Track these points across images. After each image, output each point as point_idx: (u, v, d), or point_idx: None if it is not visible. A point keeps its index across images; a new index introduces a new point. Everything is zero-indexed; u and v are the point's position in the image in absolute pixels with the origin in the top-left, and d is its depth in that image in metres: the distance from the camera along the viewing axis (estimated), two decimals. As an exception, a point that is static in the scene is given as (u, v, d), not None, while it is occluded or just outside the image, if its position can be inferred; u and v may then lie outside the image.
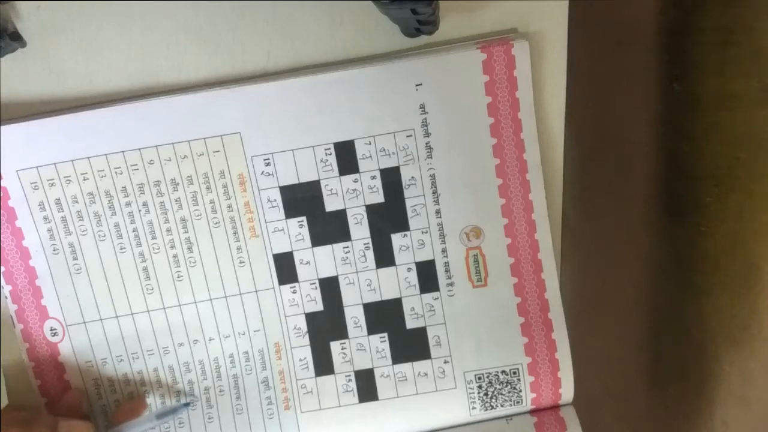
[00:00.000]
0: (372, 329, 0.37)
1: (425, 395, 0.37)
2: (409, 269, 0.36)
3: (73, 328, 0.36)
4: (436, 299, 0.37)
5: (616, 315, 0.52)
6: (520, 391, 0.37)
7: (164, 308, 0.36)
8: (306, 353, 0.37)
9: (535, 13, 0.34)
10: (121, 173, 0.35)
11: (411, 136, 0.35)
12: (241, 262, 0.36)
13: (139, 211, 0.36)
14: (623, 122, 0.49)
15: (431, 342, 0.37)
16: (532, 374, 0.37)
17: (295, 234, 0.36)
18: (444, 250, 0.36)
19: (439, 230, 0.36)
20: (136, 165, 0.35)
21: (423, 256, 0.36)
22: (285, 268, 0.36)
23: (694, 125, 0.43)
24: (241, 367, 0.37)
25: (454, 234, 0.36)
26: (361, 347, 0.37)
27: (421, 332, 0.37)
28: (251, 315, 0.37)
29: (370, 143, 0.35)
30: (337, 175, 0.35)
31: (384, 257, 0.36)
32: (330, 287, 0.37)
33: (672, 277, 0.48)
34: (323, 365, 0.37)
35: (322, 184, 0.35)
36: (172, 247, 0.36)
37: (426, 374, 0.37)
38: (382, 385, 0.37)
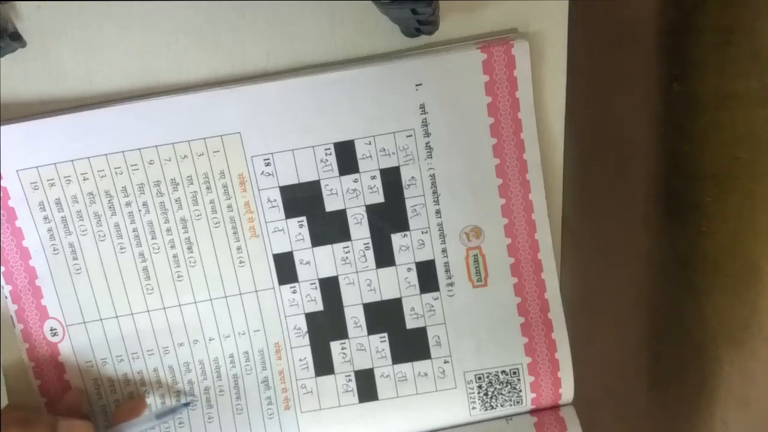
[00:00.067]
0: (372, 329, 0.37)
1: (425, 395, 0.37)
2: (409, 269, 0.36)
3: (73, 328, 0.36)
4: (436, 299, 0.37)
5: (616, 315, 0.52)
6: (520, 391, 0.37)
7: (164, 308, 0.36)
8: (306, 353, 0.37)
9: (535, 13, 0.34)
10: (121, 173, 0.35)
11: (411, 136, 0.35)
12: (241, 262, 0.36)
13: (139, 211, 0.36)
14: (623, 122, 0.49)
15: (431, 342, 0.37)
16: (532, 374, 0.37)
17: (295, 234, 0.36)
18: (444, 250, 0.36)
19: (439, 230, 0.36)
20: (136, 165, 0.35)
21: (423, 256, 0.36)
22: (285, 268, 0.36)
23: (694, 125, 0.43)
24: (241, 367, 0.37)
25: (454, 234, 0.36)
26: (361, 347, 0.37)
27: (421, 332, 0.37)
28: (251, 315, 0.37)
29: (370, 143, 0.35)
30: (337, 175, 0.35)
31: (384, 257, 0.36)
32: (330, 287, 0.37)
33: (672, 277, 0.48)
34: (323, 365, 0.37)
35: (322, 184, 0.35)
36: (172, 247, 0.36)
37: (426, 374, 0.37)
38: (382, 385, 0.37)
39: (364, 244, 0.36)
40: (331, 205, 0.36)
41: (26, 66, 0.34)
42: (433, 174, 0.35)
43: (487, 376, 0.37)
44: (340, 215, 0.36)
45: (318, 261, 0.36)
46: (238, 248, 0.36)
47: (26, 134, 0.35)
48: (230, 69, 0.35)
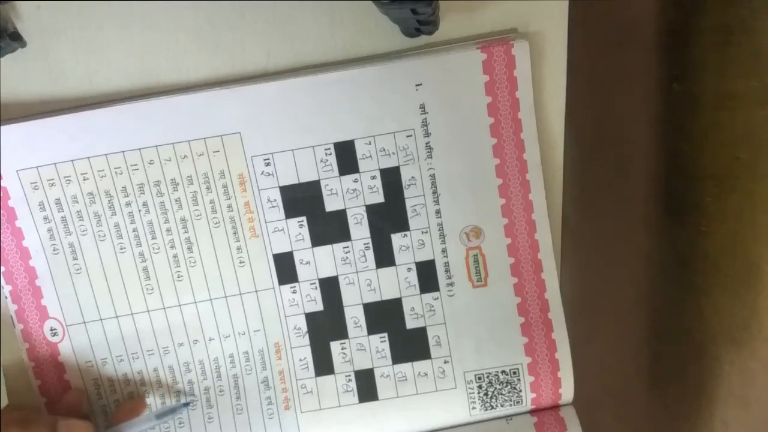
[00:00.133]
0: (372, 329, 0.37)
1: (425, 395, 0.37)
2: (409, 269, 0.36)
3: (73, 328, 0.36)
4: (436, 299, 0.37)
5: (616, 315, 0.52)
6: (520, 391, 0.37)
7: (164, 308, 0.36)
8: (306, 353, 0.37)
9: (535, 13, 0.34)
10: (121, 173, 0.35)
11: (411, 136, 0.35)
12: (241, 262, 0.36)
13: (139, 211, 0.36)
14: (623, 122, 0.49)
15: (431, 342, 0.37)
16: (532, 374, 0.37)
17: (295, 234, 0.36)
18: (444, 250, 0.36)
19: (439, 230, 0.36)
20: (136, 165, 0.35)
21: (423, 256, 0.36)
22: (285, 268, 0.36)
23: (694, 125, 0.43)
24: (241, 367, 0.37)
25: (454, 234, 0.36)
26: (361, 347, 0.37)
27: (421, 332, 0.37)
28: (251, 315, 0.37)
29: (370, 143, 0.35)
30: (337, 175, 0.35)
31: (384, 257, 0.36)
32: (330, 287, 0.37)
33: (672, 277, 0.48)
34: (323, 365, 0.37)
35: (322, 184, 0.35)
36: (172, 247, 0.36)
37: (426, 374, 0.37)
38: (382, 385, 0.37)
39: (364, 244, 0.36)
40: (331, 205, 0.36)
41: (26, 66, 0.34)
42: (433, 174, 0.35)
43: (487, 376, 0.37)
44: (340, 215, 0.36)
45: (318, 261, 0.36)
46: (238, 248, 0.36)
47: (26, 134, 0.35)
48: (230, 69, 0.35)
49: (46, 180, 0.35)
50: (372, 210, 0.36)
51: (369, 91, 0.34)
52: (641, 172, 0.49)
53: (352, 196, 0.36)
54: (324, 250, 0.36)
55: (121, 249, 0.36)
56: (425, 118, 0.35)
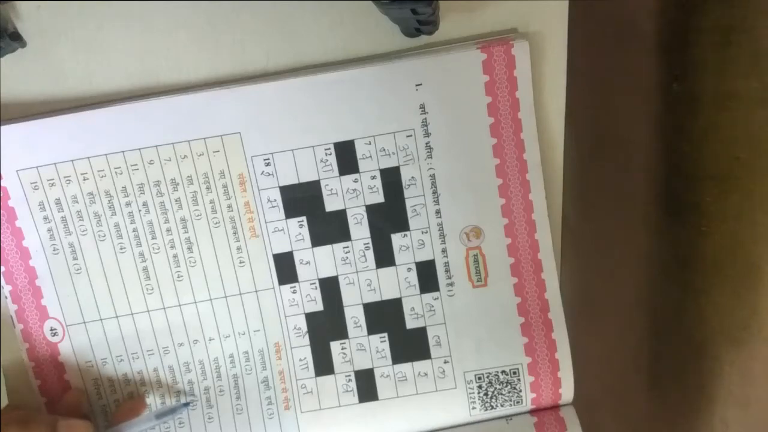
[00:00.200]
0: (372, 329, 0.37)
1: (425, 395, 0.37)
2: (409, 269, 0.36)
3: (73, 328, 0.36)
4: (436, 299, 0.37)
5: (616, 315, 0.52)
6: (520, 391, 0.37)
7: (164, 308, 0.36)
8: (306, 353, 0.37)
9: (535, 13, 0.34)
10: (121, 173, 0.35)
11: (411, 136, 0.35)
12: (241, 262, 0.36)
13: (139, 211, 0.36)
14: (623, 122, 0.49)
15: (431, 342, 0.37)
16: (532, 374, 0.37)
17: (295, 234, 0.36)
18: (444, 250, 0.36)
19: (439, 230, 0.36)
20: (136, 165, 0.35)
21: (423, 256, 0.36)
22: (285, 268, 0.36)
23: (694, 125, 0.43)
24: (241, 367, 0.37)
25: (454, 234, 0.36)
26: (361, 347, 0.37)
27: (421, 332, 0.37)
28: (251, 315, 0.37)
29: (370, 143, 0.35)
30: (337, 175, 0.35)
31: (384, 257, 0.36)
32: (330, 287, 0.37)
33: (672, 277, 0.48)
34: (323, 365, 0.37)
35: (322, 184, 0.35)
36: (172, 247, 0.36)
37: (426, 374, 0.37)
38: (382, 385, 0.37)
39: (364, 244, 0.36)
40: (331, 205, 0.36)
41: (26, 66, 0.34)
42: (433, 174, 0.35)
43: (487, 376, 0.37)
44: (340, 215, 0.36)
45: (318, 261, 0.36)
46: (238, 248, 0.36)
47: (26, 134, 0.35)
48: (230, 69, 0.35)
49: (46, 180, 0.35)
50: (372, 210, 0.36)
51: (369, 91, 0.34)
52: (641, 172, 0.49)
53: (352, 196, 0.36)
54: (324, 250, 0.36)
55: (121, 249, 0.36)
56: (425, 118, 0.35)
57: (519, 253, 0.36)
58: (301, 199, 0.36)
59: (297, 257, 0.36)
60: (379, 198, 0.36)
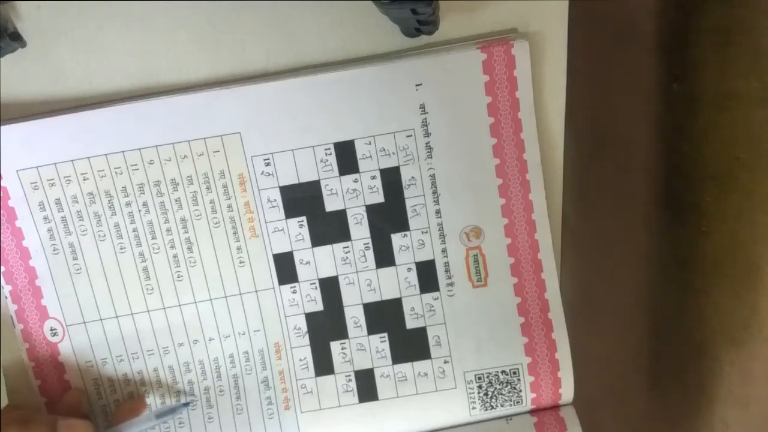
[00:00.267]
0: (372, 329, 0.37)
1: (425, 395, 0.37)
2: (409, 269, 0.36)
3: (73, 328, 0.36)
4: (436, 299, 0.37)
5: (616, 315, 0.52)
6: (520, 391, 0.37)
7: (164, 308, 0.36)
8: (306, 353, 0.37)
9: (535, 13, 0.34)
10: (121, 173, 0.35)
11: (411, 136, 0.35)
12: (241, 262, 0.36)
13: (139, 211, 0.36)
14: (623, 122, 0.49)
15: (431, 342, 0.37)
16: (532, 374, 0.37)
17: (295, 234, 0.36)
18: (444, 250, 0.36)
19: (439, 230, 0.36)
20: (136, 165, 0.35)
21: (423, 256, 0.36)
22: (285, 268, 0.36)
23: (694, 125, 0.43)
24: (241, 367, 0.37)
25: (454, 234, 0.36)
26: (361, 347, 0.37)
27: (421, 332, 0.37)
28: (251, 315, 0.37)
29: (370, 143, 0.35)
30: (337, 175, 0.35)
31: (384, 257, 0.36)
32: (330, 287, 0.37)
33: (672, 277, 0.48)
34: (323, 365, 0.37)
35: (322, 184, 0.35)
36: (172, 247, 0.36)
37: (426, 374, 0.37)
38: (382, 385, 0.37)
39: (364, 244, 0.36)
40: (331, 205, 0.36)
41: (26, 66, 0.34)
42: (433, 174, 0.35)
43: (487, 376, 0.37)
44: (340, 215, 0.36)
45: (318, 261, 0.36)
46: (238, 248, 0.36)
47: (26, 134, 0.35)
48: (230, 69, 0.35)
49: (46, 180, 0.35)
50: (372, 210, 0.36)
51: (369, 91, 0.34)
52: (641, 172, 0.49)
53: (352, 196, 0.36)
54: (324, 250, 0.36)
55: (121, 249, 0.36)
56: (425, 118, 0.35)
57: (519, 253, 0.36)
58: (301, 199, 0.36)
59: (297, 257, 0.36)
60: (379, 198, 0.36)
